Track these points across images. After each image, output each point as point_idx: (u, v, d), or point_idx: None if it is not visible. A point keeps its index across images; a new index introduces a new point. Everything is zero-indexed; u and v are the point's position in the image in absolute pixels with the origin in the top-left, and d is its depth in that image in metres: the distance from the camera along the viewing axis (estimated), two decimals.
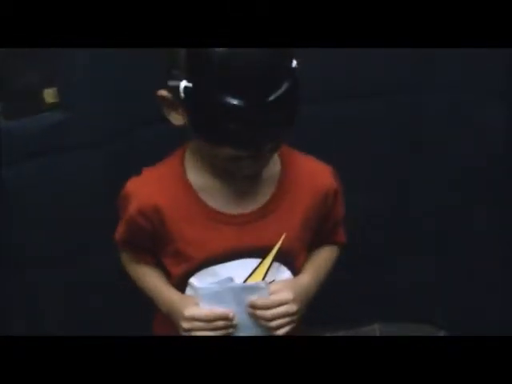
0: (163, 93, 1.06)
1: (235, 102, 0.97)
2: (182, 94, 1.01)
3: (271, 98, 0.98)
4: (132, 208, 1.12)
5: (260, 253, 1.11)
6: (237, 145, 1.01)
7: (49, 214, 1.36)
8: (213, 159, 1.07)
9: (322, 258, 1.20)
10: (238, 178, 1.09)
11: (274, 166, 1.13)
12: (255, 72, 0.98)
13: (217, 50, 0.98)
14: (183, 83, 1.00)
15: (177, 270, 1.14)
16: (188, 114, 1.03)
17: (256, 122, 0.99)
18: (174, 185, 1.12)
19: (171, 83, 1.03)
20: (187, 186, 1.11)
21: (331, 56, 1.32)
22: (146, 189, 1.12)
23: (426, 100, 1.44)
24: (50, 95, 1.30)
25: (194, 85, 1.00)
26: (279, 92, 0.98)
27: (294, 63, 1.02)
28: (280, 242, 1.10)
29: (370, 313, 1.60)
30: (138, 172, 1.15)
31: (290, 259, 1.13)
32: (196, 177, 1.12)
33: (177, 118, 1.07)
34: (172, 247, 1.13)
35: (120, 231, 1.17)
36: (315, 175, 1.15)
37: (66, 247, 1.38)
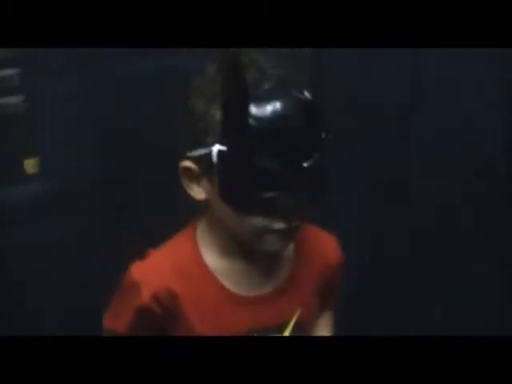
0: (187, 164, 1.02)
1: (271, 165, 0.95)
2: (215, 159, 0.98)
3: (306, 163, 0.96)
4: (145, 296, 1.04)
5: (276, 330, 1.08)
6: (269, 214, 0.98)
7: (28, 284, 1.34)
8: (236, 233, 1.03)
9: (328, 326, 1.20)
10: (257, 255, 1.05)
11: (289, 247, 1.10)
12: (291, 137, 0.96)
13: (253, 112, 0.96)
14: (216, 147, 0.97)
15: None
16: (219, 181, 1.00)
17: (291, 190, 0.97)
18: (189, 268, 1.06)
19: (199, 152, 1.00)
20: (204, 268, 1.06)
21: None
22: (158, 274, 1.06)
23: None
24: (30, 165, 1.29)
25: (228, 148, 0.97)
26: (313, 159, 0.97)
27: (324, 134, 1.00)
28: (295, 318, 1.08)
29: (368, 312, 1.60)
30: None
31: (303, 329, 1.11)
32: (212, 258, 1.07)
33: (198, 192, 1.03)
34: (184, 331, 1.07)
35: (124, 322, 1.07)
36: (325, 250, 1.13)
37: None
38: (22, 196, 1.29)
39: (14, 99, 1.23)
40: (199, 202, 1.03)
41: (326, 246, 1.13)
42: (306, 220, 1.05)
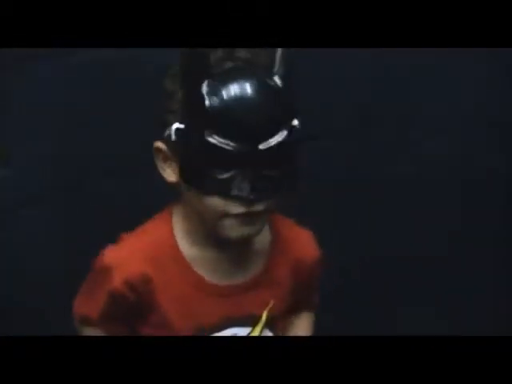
0: (159, 144, 1.02)
1: (225, 145, 0.95)
2: (174, 136, 0.98)
3: (262, 146, 0.95)
4: (116, 280, 1.03)
5: (249, 321, 1.08)
6: (226, 196, 0.97)
7: None
8: (203, 218, 1.02)
9: (306, 327, 1.18)
10: (231, 243, 1.03)
11: (265, 235, 1.09)
12: (248, 117, 0.95)
13: (210, 90, 0.95)
14: (175, 125, 0.98)
15: None
16: (179, 159, 1.00)
17: (246, 172, 0.96)
18: (163, 254, 1.05)
19: (166, 132, 1.00)
20: (178, 255, 1.05)
21: None
22: (132, 258, 1.04)
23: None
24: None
25: (185, 126, 0.97)
26: (272, 142, 0.96)
27: (296, 122, 0.99)
28: (268, 310, 1.07)
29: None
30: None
31: (274, 323, 1.11)
32: (187, 245, 1.06)
33: (170, 174, 1.03)
34: (157, 318, 1.06)
35: (96, 307, 1.06)
36: (302, 246, 1.12)
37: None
38: None
39: None
40: (171, 184, 1.03)
41: (301, 241, 1.12)
42: (274, 205, 1.02)
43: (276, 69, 0.98)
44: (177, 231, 1.07)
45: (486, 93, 1.42)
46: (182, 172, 1.00)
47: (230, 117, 0.95)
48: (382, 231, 1.55)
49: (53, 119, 1.30)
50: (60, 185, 1.34)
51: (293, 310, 1.15)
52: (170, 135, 0.99)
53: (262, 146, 0.96)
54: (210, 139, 0.95)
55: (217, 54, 0.99)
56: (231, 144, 0.95)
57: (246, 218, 1.00)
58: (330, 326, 1.20)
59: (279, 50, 0.98)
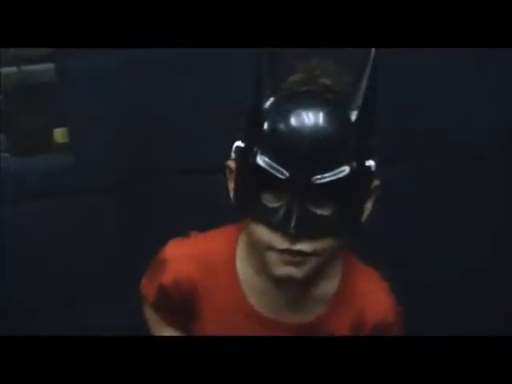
0: (229, 163, 0.98)
1: (275, 171, 0.89)
2: (233, 154, 0.95)
3: (315, 179, 0.89)
4: (166, 277, 1.04)
5: None
6: (269, 224, 0.92)
7: (52, 256, 1.34)
8: (254, 246, 0.98)
9: None
10: (277, 278, 0.97)
11: (332, 282, 1.04)
12: (306, 145, 0.88)
13: (275, 112, 0.90)
14: (236, 143, 0.94)
15: None
16: (234, 179, 0.96)
17: (294, 205, 0.89)
18: (217, 266, 1.03)
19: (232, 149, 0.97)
20: (232, 273, 1.03)
21: None
22: (186, 262, 1.04)
23: None
24: (59, 135, 1.29)
25: (245, 145, 0.93)
26: (327, 177, 0.89)
27: (370, 163, 0.92)
28: None
29: None
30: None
31: None
32: (244, 267, 1.03)
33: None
34: (201, 326, 1.06)
35: (151, 292, 1.08)
36: (371, 305, 1.05)
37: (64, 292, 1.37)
38: (53, 165, 1.29)
39: (45, 66, 1.22)
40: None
41: (371, 296, 1.06)
42: (320, 251, 0.94)
43: (356, 103, 0.92)
44: (239, 249, 1.04)
45: (486, 93, 1.42)
46: (235, 193, 0.96)
47: (286, 141, 0.89)
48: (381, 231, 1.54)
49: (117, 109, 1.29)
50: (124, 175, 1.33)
51: None
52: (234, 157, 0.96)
53: (315, 180, 0.89)
54: (261, 162, 0.90)
55: (296, 76, 0.95)
56: (282, 171, 0.89)
57: (289, 257, 0.94)
58: None
59: (364, 82, 0.92)
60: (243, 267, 1.03)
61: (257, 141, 0.91)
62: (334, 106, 0.91)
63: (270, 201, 0.92)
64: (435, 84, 1.40)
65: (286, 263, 0.94)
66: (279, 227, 0.91)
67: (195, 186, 1.34)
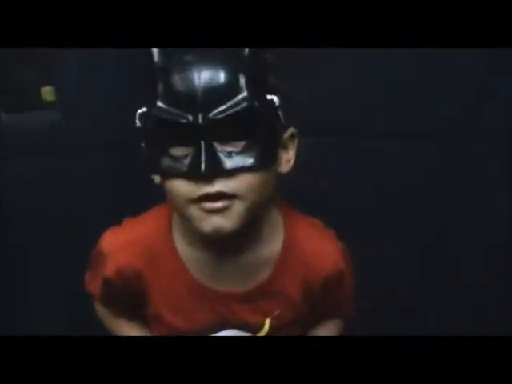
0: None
1: (178, 116, 0.90)
2: (138, 122, 0.96)
3: (215, 114, 0.90)
4: (109, 270, 1.04)
5: (246, 328, 1.05)
6: (182, 171, 0.91)
7: (44, 213, 1.34)
8: (178, 212, 0.98)
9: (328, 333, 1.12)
10: (207, 235, 0.95)
11: (275, 242, 1.04)
12: (200, 85, 0.90)
13: (168, 68, 0.92)
14: (138, 111, 0.96)
15: (159, 333, 1.08)
16: (144, 146, 0.97)
17: (199, 147, 0.90)
18: (158, 249, 1.02)
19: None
20: (173, 254, 1.02)
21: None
22: (126, 248, 1.03)
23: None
24: (47, 93, 1.28)
25: (146, 109, 0.95)
26: (227, 110, 0.90)
27: (276, 99, 0.95)
28: (272, 318, 1.04)
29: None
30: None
31: (283, 331, 1.06)
32: (183, 244, 1.02)
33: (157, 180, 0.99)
34: (153, 311, 1.06)
35: (97, 288, 1.08)
36: (318, 257, 1.04)
37: (58, 246, 1.36)
38: (42, 123, 1.29)
39: None
40: (159, 186, 0.99)
41: (321, 253, 1.05)
42: (238, 192, 0.93)
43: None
44: (175, 227, 1.03)
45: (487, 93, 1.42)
46: (145, 158, 0.96)
47: (179, 85, 0.91)
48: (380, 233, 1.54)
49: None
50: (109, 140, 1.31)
51: (312, 318, 1.10)
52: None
53: (214, 116, 0.90)
54: (161, 113, 0.91)
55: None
56: (182, 114, 0.90)
57: (209, 204, 0.93)
58: None
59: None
60: (181, 242, 1.03)
61: (154, 99, 0.92)
62: (224, 49, 0.94)
63: (178, 151, 0.93)
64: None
65: (210, 213, 0.93)
66: (191, 172, 0.91)
67: None
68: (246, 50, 0.93)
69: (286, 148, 1.00)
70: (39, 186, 1.33)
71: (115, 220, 1.10)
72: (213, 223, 0.93)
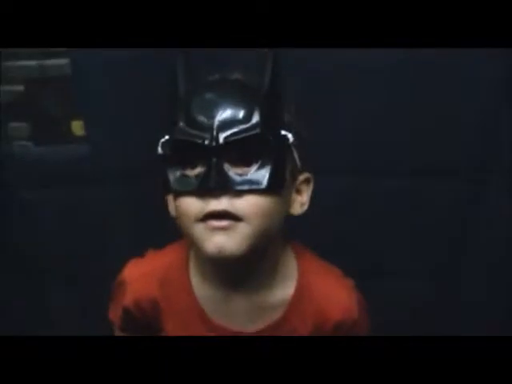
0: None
1: (193, 137, 0.94)
2: (160, 151, 0.99)
3: (228, 136, 0.94)
4: (128, 298, 1.06)
5: None
6: (192, 188, 0.95)
7: (65, 244, 1.37)
8: (185, 233, 0.99)
9: None
10: (210, 256, 0.96)
11: (288, 286, 1.04)
12: (216, 111, 0.95)
13: (191, 98, 0.96)
14: (161, 140, 0.99)
15: None
16: (165, 171, 0.98)
17: (213, 164, 0.93)
18: (174, 285, 1.05)
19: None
20: (188, 290, 1.05)
21: None
22: (144, 281, 1.06)
23: None
24: (77, 127, 1.31)
25: (169, 137, 0.98)
26: (239, 133, 0.94)
27: (290, 136, 0.98)
28: None
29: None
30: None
31: None
32: (198, 280, 1.04)
33: (170, 205, 1.02)
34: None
35: (117, 316, 1.10)
36: (331, 305, 1.04)
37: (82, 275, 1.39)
38: (71, 156, 1.32)
39: (62, 61, 1.26)
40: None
41: (332, 295, 1.05)
42: (244, 213, 0.95)
43: (264, 81, 0.97)
44: (192, 263, 1.06)
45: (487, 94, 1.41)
46: (163, 181, 0.99)
47: (197, 111, 0.95)
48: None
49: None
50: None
51: None
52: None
53: (228, 138, 0.94)
54: (179, 135, 0.95)
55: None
56: (198, 134, 0.94)
57: (214, 222, 0.95)
58: None
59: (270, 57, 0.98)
60: (196, 278, 1.05)
61: (175, 125, 0.96)
62: (243, 83, 0.99)
63: (191, 171, 0.96)
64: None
65: (214, 231, 0.95)
66: (200, 188, 0.94)
67: None
68: (266, 86, 0.97)
69: (300, 192, 1.03)
70: (61, 216, 1.36)
71: (138, 251, 1.13)
72: (216, 242, 0.95)
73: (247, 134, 0.95)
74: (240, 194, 0.95)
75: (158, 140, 1.01)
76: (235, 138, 0.94)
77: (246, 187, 0.95)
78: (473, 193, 1.41)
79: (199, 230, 0.96)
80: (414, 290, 1.45)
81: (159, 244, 1.13)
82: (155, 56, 1.24)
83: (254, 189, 0.95)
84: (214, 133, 0.94)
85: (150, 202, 1.21)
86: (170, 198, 1.02)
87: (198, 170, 0.96)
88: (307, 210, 1.05)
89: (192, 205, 0.96)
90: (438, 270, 1.45)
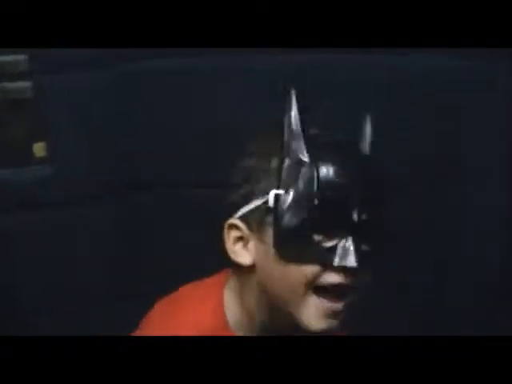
0: (236, 222, 0.97)
1: (328, 214, 0.93)
2: (271, 204, 0.94)
3: (364, 215, 0.93)
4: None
5: None
6: (327, 263, 0.93)
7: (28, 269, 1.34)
8: (283, 297, 0.96)
9: None
10: (315, 330, 0.96)
11: None
12: (345, 188, 0.94)
13: (316, 163, 0.94)
14: (273, 192, 0.94)
15: None
16: (276, 227, 0.94)
17: (348, 241, 0.93)
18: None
19: (249, 207, 0.97)
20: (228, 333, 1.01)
21: None
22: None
23: None
24: (39, 149, 1.30)
25: (285, 191, 0.94)
26: (375, 213, 0.95)
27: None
28: None
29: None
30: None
31: None
32: (236, 322, 1.01)
33: (245, 256, 0.98)
34: None
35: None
36: None
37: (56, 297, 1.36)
38: (32, 178, 1.30)
39: (23, 84, 1.24)
40: (242, 266, 0.98)
41: None
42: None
43: (364, 142, 0.99)
44: (228, 310, 1.01)
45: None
46: (278, 240, 0.95)
47: (334, 187, 0.94)
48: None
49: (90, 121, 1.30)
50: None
51: None
52: (257, 206, 0.96)
53: (365, 216, 0.94)
54: (314, 206, 0.93)
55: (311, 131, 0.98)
56: (334, 213, 0.93)
57: (338, 292, 0.95)
58: None
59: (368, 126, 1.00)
60: (235, 324, 1.01)
61: (298, 186, 0.94)
62: (351, 151, 0.98)
63: (324, 241, 0.94)
64: None
65: (328, 311, 0.95)
66: (339, 264, 0.93)
67: (183, 199, 1.35)
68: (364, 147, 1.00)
69: None
70: (29, 239, 1.33)
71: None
72: (325, 323, 0.96)
73: (380, 215, 0.96)
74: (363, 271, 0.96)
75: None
76: (371, 217, 0.95)
77: (368, 266, 0.96)
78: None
79: (311, 302, 0.95)
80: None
81: (125, 265, 1.12)
82: (117, 77, 1.26)
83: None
84: (355, 211, 0.94)
85: (113, 225, 1.22)
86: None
87: (331, 241, 0.94)
88: None
89: (318, 275, 0.94)
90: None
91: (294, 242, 0.95)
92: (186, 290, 1.06)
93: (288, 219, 0.94)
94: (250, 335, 1.01)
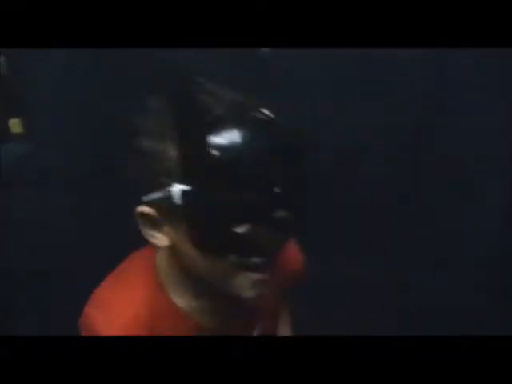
0: (145, 209, 0.93)
1: (240, 196, 0.88)
2: (178, 200, 0.90)
3: (277, 188, 0.89)
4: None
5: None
6: (244, 250, 0.91)
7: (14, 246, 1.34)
8: (206, 275, 0.95)
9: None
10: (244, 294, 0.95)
11: None
12: (254, 160, 0.88)
13: (209, 142, 0.88)
14: (178, 187, 0.89)
15: None
16: (189, 224, 0.92)
17: (263, 221, 0.89)
18: (158, 314, 0.98)
19: (157, 195, 0.92)
20: (175, 309, 0.99)
21: None
22: (128, 328, 0.97)
23: None
24: (15, 125, 1.29)
25: (191, 187, 0.90)
26: (285, 181, 0.90)
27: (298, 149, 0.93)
28: None
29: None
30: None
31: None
32: (182, 298, 0.99)
33: (162, 239, 0.95)
34: None
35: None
36: (293, 261, 1.07)
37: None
38: (9, 155, 1.30)
39: None
40: (161, 247, 0.96)
41: (292, 256, 1.07)
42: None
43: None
44: (169, 288, 1.00)
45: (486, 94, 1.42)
46: (193, 236, 0.92)
47: (237, 166, 0.89)
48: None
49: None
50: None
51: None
52: (164, 198, 0.91)
53: (277, 189, 0.89)
54: (224, 195, 0.89)
55: (202, 99, 0.92)
56: (247, 195, 0.89)
57: (260, 273, 0.93)
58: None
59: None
60: (180, 299, 1.00)
61: (203, 178, 0.90)
62: (253, 115, 0.92)
63: (238, 228, 0.90)
64: None
65: (257, 280, 0.94)
66: (258, 244, 0.91)
67: None
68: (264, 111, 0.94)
69: None
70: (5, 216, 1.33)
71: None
72: (256, 288, 0.95)
73: (292, 178, 0.94)
74: None
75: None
76: (280, 189, 0.91)
77: (292, 234, 0.98)
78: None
79: (238, 282, 0.94)
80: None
81: (100, 243, 1.11)
82: (95, 56, 1.25)
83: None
84: (259, 190, 0.90)
85: (89, 203, 1.21)
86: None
87: (246, 226, 0.91)
88: None
89: (239, 261, 0.93)
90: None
91: (208, 238, 0.92)
92: (126, 263, 1.05)
93: (198, 215, 0.91)
94: (187, 294, 0.99)
